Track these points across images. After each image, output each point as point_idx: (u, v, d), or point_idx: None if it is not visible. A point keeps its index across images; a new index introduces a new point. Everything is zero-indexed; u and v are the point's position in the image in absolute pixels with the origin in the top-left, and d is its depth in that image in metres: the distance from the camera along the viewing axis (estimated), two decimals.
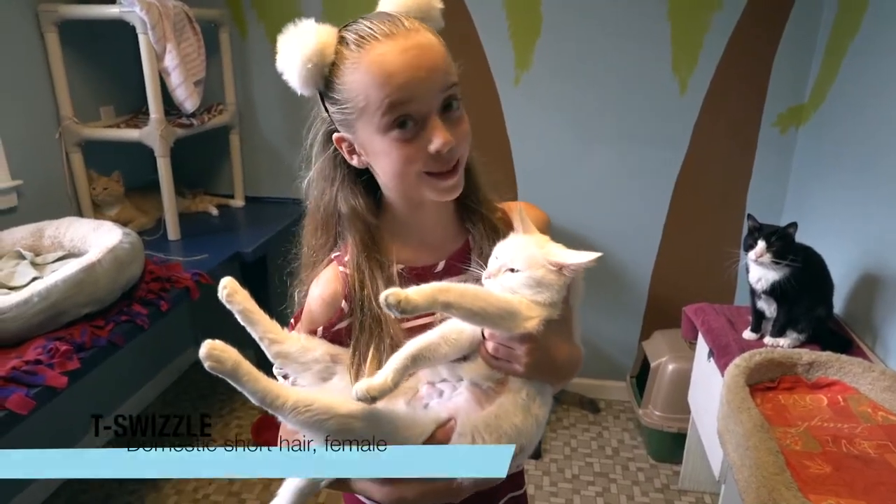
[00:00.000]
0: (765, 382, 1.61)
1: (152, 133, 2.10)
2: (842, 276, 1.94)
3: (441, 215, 0.92)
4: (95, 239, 1.79)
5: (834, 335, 1.81)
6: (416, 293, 0.69)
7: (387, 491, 0.79)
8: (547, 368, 0.81)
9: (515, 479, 1.02)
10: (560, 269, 0.79)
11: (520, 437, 0.77)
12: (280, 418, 0.74)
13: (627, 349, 2.79)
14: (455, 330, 0.80)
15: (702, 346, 2.04)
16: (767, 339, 1.84)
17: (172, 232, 2.26)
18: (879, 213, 1.84)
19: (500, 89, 2.51)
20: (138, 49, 2.02)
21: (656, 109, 2.45)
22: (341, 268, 0.90)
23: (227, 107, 2.57)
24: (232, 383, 0.72)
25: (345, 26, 0.81)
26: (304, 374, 0.86)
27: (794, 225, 1.74)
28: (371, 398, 0.70)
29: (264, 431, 2.50)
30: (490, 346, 0.79)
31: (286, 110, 2.68)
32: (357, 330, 0.86)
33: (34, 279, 1.66)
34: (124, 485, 2.33)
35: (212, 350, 0.71)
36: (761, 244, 1.74)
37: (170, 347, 3.01)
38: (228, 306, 0.85)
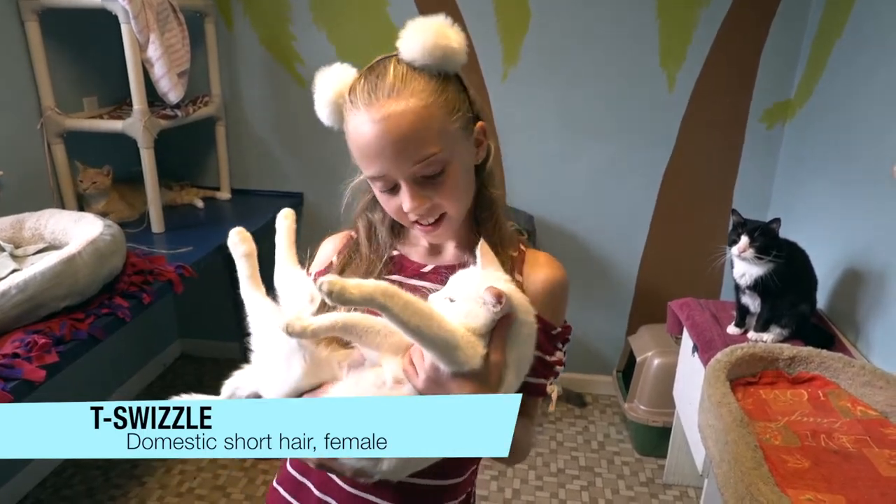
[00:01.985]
0: (746, 377, 1.61)
1: (135, 124, 2.08)
2: (826, 272, 1.95)
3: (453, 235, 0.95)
4: (76, 231, 1.77)
5: (817, 330, 1.82)
6: (357, 286, 0.69)
7: None
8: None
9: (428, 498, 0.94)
10: (493, 305, 0.76)
11: None
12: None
13: (614, 344, 2.80)
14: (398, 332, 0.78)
15: (686, 341, 2.04)
16: (751, 334, 1.84)
17: (157, 224, 2.24)
18: (863, 208, 1.85)
19: (488, 84, 2.50)
20: (122, 39, 1.99)
21: (644, 105, 2.45)
22: (352, 232, 1.01)
23: (212, 98, 2.55)
24: (237, 267, 0.89)
25: (368, 67, 0.85)
26: (290, 303, 0.92)
27: (777, 220, 1.75)
28: (289, 333, 0.75)
29: None
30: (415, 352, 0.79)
31: (273, 102, 2.67)
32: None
33: (13, 271, 1.64)
34: (109, 479, 2.32)
35: (237, 233, 0.90)
36: (744, 239, 1.75)
37: (155, 340, 2.99)
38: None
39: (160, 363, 3.00)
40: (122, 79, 2.05)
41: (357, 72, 0.86)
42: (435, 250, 0.97)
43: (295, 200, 2.73)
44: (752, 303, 1.85)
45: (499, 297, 0.75)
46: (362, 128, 0.80)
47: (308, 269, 0.97)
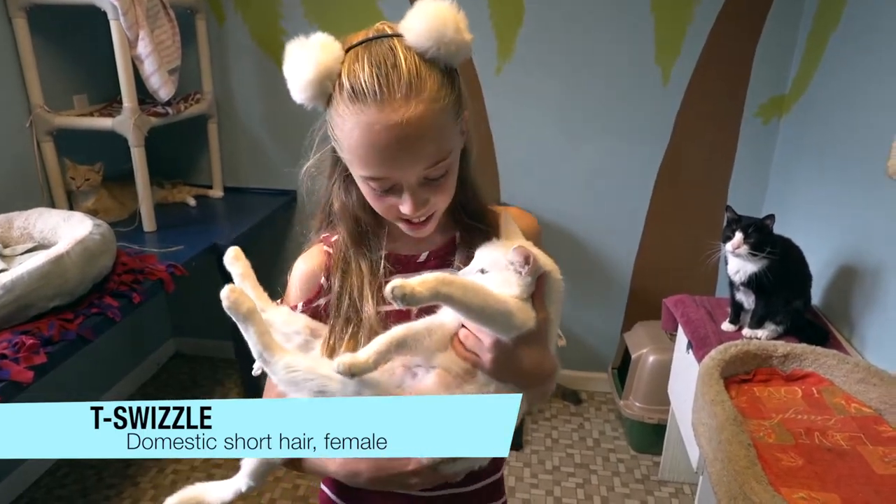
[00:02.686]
0: (740, 375, 1.60)
1: (126, 122, 2.06)
2: (821, 268, 1.94)
3: None
4: (66, 230, 1.76)
5: (811, 327, 1.81)
6: (420, 284, 0.69)
7: (340, 463, 0.81)
8: (511, 370, 0.79)
9: (491, 490, 0.99)
10: (521, 267, 0.79)
11: None
12: (270, 374, 0.80)
13: (609, 340, 2.79)
14: (438, 324, 0.80)
15: (681, 338, 2.04)
16: (746, 331, 1.83)
17: (148, 223, 2.22)
18: (859, 204, 1.84)
19: (482, 79, 2.48)
20: (111, 36, 1.97)
21: (639, 100, 2.43)
22: (326, 247, 0.92)
23: (204, 95, 2.53)
24: (241, 329, 0.79)
25: (354, 46, 0.76)
26: (286, 344, 0.89)
27: (771, 217, 1.74)
28: (351, 374, 0.72)
29: None
30: (462, 332, 0.79)
31: (265, 99, 2.65)
32: (334, 313, 0.88)
33: (1, 271, 1.63)
34: (103, 479, 2.31)
35: (231, 293, 0.77)
36: (738, 236, 1.74)
37: (149, 340, 2.98)
38: (229, 268, 0.91)
39: (154, 362, 2.99)
40: (112, 76, 2.04)
41: (342, 46, 0.76)
42: (419, 237, 0.92)
43: (288, 198, 2.71)
44: (747, 299, 1.84)
45: (526, 257, 0.77)
46: (372, 129, 0.72)
47: (286, 301, 0.93)
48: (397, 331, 0.77)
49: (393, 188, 0.79)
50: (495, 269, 0.80)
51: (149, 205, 2.20)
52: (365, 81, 0.72)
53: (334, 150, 0.85)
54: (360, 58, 0.74)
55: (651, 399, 2.35)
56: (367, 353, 0.73)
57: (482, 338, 0.77)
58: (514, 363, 0.78)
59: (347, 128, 0.74)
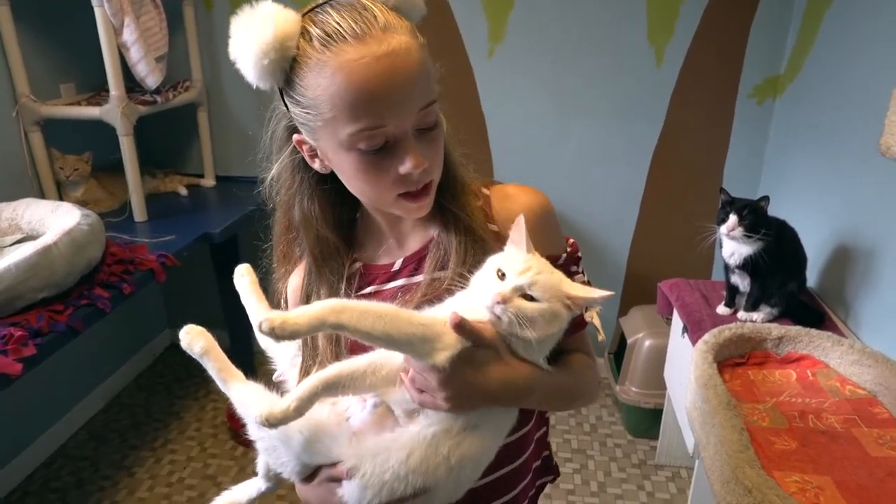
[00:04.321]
0: (734, 358, 1.59)
1: (113, 111, 2.04)
2: (816, 249, 1.93)
3: None
4: (54, 221, 1.74)
5: (806, 309, 1.80)
6: (300, 314, 0.63)
7: (299, 489, 0.81)
8: (475, 398, 0.70)
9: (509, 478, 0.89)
10: (572, 303, 0.71)
11: (409, 477, 0.69)
12: None
13: (605, 325, 2.77)
14: (385, 359, 0.72)
15: (676, 322, 2.03)
16: (741, 314, 1.83)
17: (139, 213, 2.20)
18: (854, 185, 1.82)
19: (473, 62, 2.45)
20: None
21: (632, 81, 2.41)
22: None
23: (193, 83, 2.51)
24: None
25: (310, 10, 0.71)
26: (280, 358, 0.90)
27: (765, 198, 1.72)
28: (270, 425, 0.67)
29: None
30: (410, 374, 0.71)
31: (256, 87, 2.61)
32: (302, 339, 0.83)
33: None
34: (98, 470, 2.31)
35: (186, 335, 0.80)
36: (733, 218, 1.72)
37: (144, 331, 2.97)
38: (237, 285, 0.91)
39: (150, 353, 2.98)
40: (100, 64, 2.01)
41: (297, 13, 0.70)
42: (398, 241, 0.87)
43: None
44: (742, 282, 1.83)
45: (456, 325, 0.67)
46: (359, 66, 0.65)
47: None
48: (328, 371, 0.70)
49: (386, 146, 0.70)
50: (550, 299, 0.70)
51: (139, 194, 2.19)
52: (338, 23, 0.67)
53: (294, 156, 0.81)
54: (323, 10, 0.70)
55: (647, 384, 2.34)
56: (287, 401, 0.67)
57: (427, 377, 0.68)
58: (475, 389, 0.70)
59: (326, 77, 0.67)
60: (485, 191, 0.86)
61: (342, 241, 0.86)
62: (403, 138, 0.70)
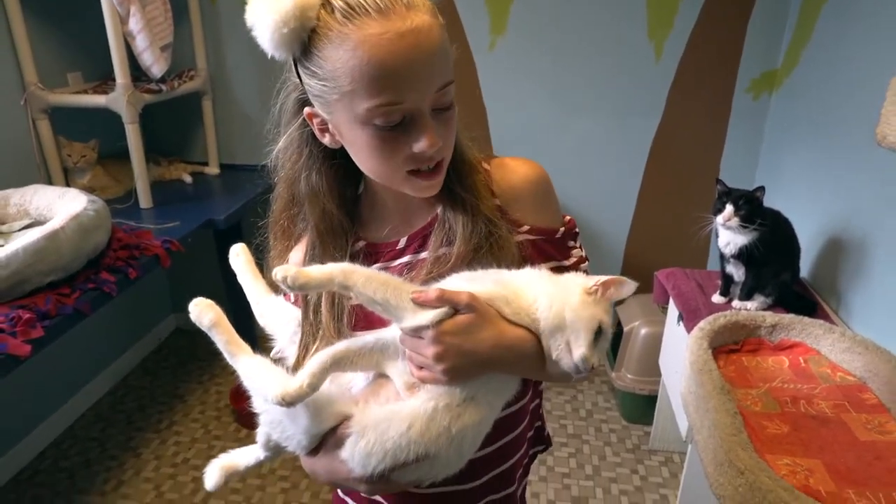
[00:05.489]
0: (729, 345, 1.62)
1: (119, 99, 2.06)
2: (809, 240, 1.96)
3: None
4: (61, 206, 1.77)
5: (799, 298, 1.83)
6: (313, 270, 0.66)
7: (304, 462, 0.81)
8: (470, 365, 0.71)
9: (493, 482, 0.91)
10: (595, 292, 0.74)
11: (411, 446, 0.70)
12: None
13: None
14: (392, 337, 0.74)
15: (672, 311, 2.06)
16: (735, 303, 1.85)
17: (144, 200, 2.23)
18: (847, 177, 1.85)
19: (475, 55, 2.47)
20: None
21: (631, 75, 2.43)
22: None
23: (198, 72, 2.53)
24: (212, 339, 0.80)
25: None
26: (279, 335, 0.90)
27: (761, 189, 1.75)
28: (287, 403, 0.69)
29: (242, 397, 2.52)
30: (407, 353, 0.73)
31: (260, 76, 2.64)
32: (304, 307, 0.84)
33: None
34: (105, 450, 2.35)
35: (195, 306, 0.79)
36: (729, 208, 1.75)
37: (149, 315, 3.01)
38: (232, 264, 0.92)
39: (155, 337, 3.02)
40: (107, 53, 2.03)
41: None
42: (403, 219, 0.86)
43: None
44: (737, 272, 1.85)
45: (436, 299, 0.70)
46: (381, 41, 0.65)
47: (285, 292, 0.90)
48: (337, 347, 0.72)
49: (402, 123, 0.70)
50: (576, 324, 0.72)
51: (144, 181, 2.21)
52: (360, 1, 0.66)
53: (303, 129, 0.81)
54: None
55: (642, 371, 2.38)
56: (300, 378, 0.69)
57: (422, 350, 0.70)
58: (470, 357, 0.71)
59: (347, 51, 0.66)
60: (485, 165, 0.86)
61: (347, 217, 0.86)
62: (420, 117, 0.70)
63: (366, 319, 0.80)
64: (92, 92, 2.27)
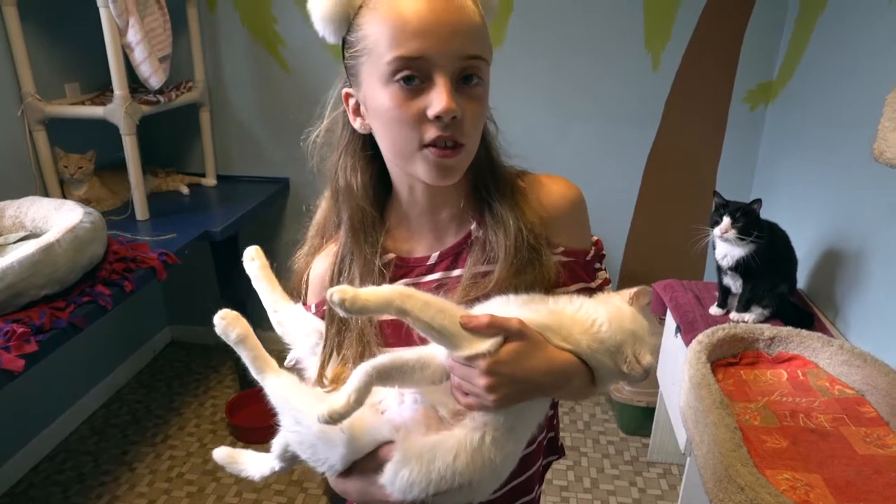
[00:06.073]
0: (727, 358, 1.62)
1: (116, 110, 2.06)
2: (806, 252, 1.96)
3: (446, 199, 0.83)
4: (57, 218, 1.76)
5: (797, 310, 1.83)
6: (371, 293, 0.64)
7: (333, 481, 0.81)
8: (521, 392, 0.71)
9: (516, 490, 0.91)
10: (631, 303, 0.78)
11: (455, 476, 0.70)
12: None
13: None
14: (430, 356, 0.72)
15: (670, 322, 2.05)
16: (733, 315, 1.85)
17: (140, 212, 2.23)
18: (843, 189, 1.85)
19: None
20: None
21: (629, 85, 2.44)
22: (334, 246, 0.86)
23: (196, 84, 2.53)
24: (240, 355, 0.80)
25: None
26: (298, 345, 0.88)
27: (758, 201, 1.75)
28: (334, 421, 0.67)
29: (238, 411, 2.51)
30: (454, 380, 0.72)
31: (257, 87, 2.64)
32: (328, 319, 0.82)
33: None
34: (99, 465, 2.33)
35: (222, 319, 0.78)
36: (726, 220, 1.75)
37: (145, 328, 3.00)
38: (246, 268, 0.91)
39: (150, 350, 3.01)
40: (104, 64, 2.03)
41: None
42: (433, 234, 0.85)
43: (280, 185, 2.72)
44: (734, 283, 1.85)
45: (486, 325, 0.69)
46: (413, 2, 0.68)
47: (305, 301, 0.90)
48: (381, 360, 0.69)
49: (423, 86, 0.70)
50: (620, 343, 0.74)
51: (141, 193, 2.21)
52: None
53: (343, 114, 0.82)
54: None
55: (640, 383, 2.37)
56: (345, 394, 0.67)
57: (475, 380, 0.69)
58: (518, 384, 0.69)
59: (378, 12, 0.70)
60: (520, 182, 0.86)
61: (381, 217, 0.84)
62: (440, 79, 0.69)
63: (393, 335, 0.79)
64: (89, 103, 2.27)
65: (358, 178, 0.82)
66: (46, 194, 2.17)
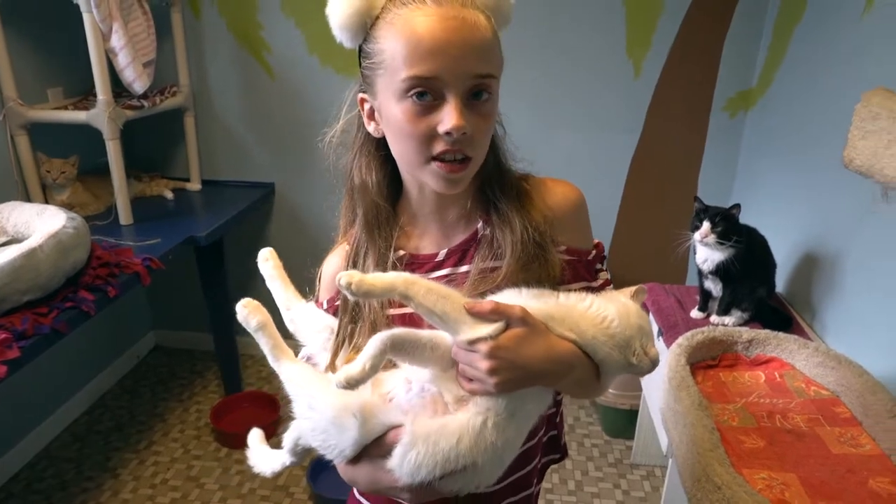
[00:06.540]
0: (706, 360, 1.65)
1: (100, 115, 2.06)
2: (784, 256, 1.99)
3: (455, 199, 0.86)
4: (39, 224, 1.75)
5: (775, 313, 1.86)
6: (376, 277, 0.69)
7: (342, 468, 0.83)
8: (521, 378, 0.73)
9: (516, 483, 0.94)
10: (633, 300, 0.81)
11: (459, 458, 0.73)
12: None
13: None
14: (441, 339, 0.75)
15: (652, 326, 2.08)
16: (713, 318, 1.88)
17: (124, 217, 2.22)
18: (820, 195, 1.89)
19: None
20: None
21: (611, 93, 2.47)
22: (347, 244, 0.90)
23: (180, 88, 2.53)
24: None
25: None
26: (310, 341, 0.91)
27: (737, 206, 1.78)
28: (350, 386, 0.70)
29: (223, 416, 2.50)
30: (460, 366, 0.75)
31: (242, 92, 2.64)
32: (342, 310, 0.85)
33: None
34: (82, 471, 2.31)
35: (244, 308, 0.83)
36: (706, 225, 1.78)
37: (128, 333, 2.98)
38: (261, 269, 0.93)
39: (134, 355, 2.99)
40: (88, 69, 2.02)
41: None
42: (442, 231, 0.88)
43: (266, 190, 2.72)
44: (715, 287, 1.88)
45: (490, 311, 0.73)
46: (427, 21, 0.71)
47: (317, 299, 0.93)
48: (397, 332, 0.72)
49: (435, 102, 0.74)
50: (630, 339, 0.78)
51: (125, 198, 2.20)
52: None
53: (358, 116, 0.86)
54: None
55: (624, 385, 2.40)
56: (361, 360, 0.70)
57: (477, 364, 0.71)
58: (519, 370, 0.72)
59: (395, 28, 0.73)
60: (525, 185, 0.90)
61: (394, 213, 0.88)
62: (452, 98, 0.73)
63: (402, 318, 0.81)
64: (72, 108, 2.26)
65: (373, 176, 0.87)
66: (28, 199, 2.16)
